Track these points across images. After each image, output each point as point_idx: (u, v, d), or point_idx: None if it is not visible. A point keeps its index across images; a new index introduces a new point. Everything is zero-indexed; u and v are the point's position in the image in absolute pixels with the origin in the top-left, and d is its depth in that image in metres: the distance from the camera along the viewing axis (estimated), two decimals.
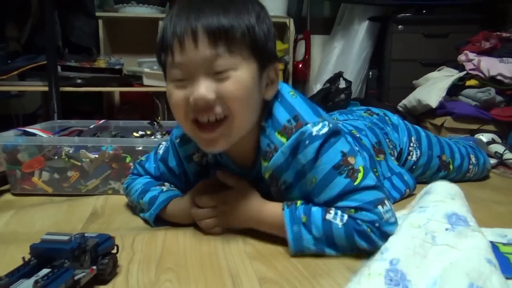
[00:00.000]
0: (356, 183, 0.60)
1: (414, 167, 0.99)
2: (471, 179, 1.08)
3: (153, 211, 0.72)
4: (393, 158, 0.93)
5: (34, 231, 0.72)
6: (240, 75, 0.58)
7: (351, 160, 0.62)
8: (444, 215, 0.55)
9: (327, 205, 0.61)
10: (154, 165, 0.80)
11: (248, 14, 0.58)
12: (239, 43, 0.57)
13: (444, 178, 1.01)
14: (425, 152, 0.99)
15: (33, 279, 0.44)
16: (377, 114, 1.02)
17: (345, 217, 0.59)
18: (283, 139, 0.62)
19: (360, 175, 0.60)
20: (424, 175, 1.02)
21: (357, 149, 0.79)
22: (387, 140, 0.94)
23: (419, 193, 0.66)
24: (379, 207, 0.59)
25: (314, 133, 0.61)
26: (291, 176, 0.64)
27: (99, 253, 0.52)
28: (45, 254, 0.49)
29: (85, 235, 0.52)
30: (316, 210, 0.61)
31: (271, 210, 0.64)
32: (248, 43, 0.58)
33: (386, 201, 0.60)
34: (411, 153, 0.99)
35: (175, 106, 0.61)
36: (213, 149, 0.64)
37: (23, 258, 0.48)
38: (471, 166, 1.05)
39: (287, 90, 0.67)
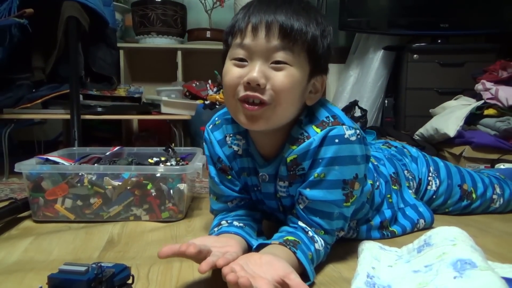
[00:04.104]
0: (345, 204, 0.68)
1: (434, 196, 0.99)
2: (497, 211, 1.05)
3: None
4: (410, 191, 0.93)
5: (51, 258, 0.73)
6: (293, 71, 0.63)
7: (356, 185, 0.68)
8: (449, 265, 0.54)
9: (308, 207, 0.67)
10: (216, 196, 0.80)
11: (316, 26, 0.65)
12: (301, 46, 0.63)
13: (467, 207, 1.01)
14: (444, 180, 0.99)
15: None
16: (396, 147, 1.03)
17: (323, 242, 0.68)
18: (318, 130, 0.66)
19: (351, 201, 0.68)
20: (446, 205, 1.01)
21: (375, 175, 0.83)
22: (405, 171, 0.94)
23: (418, 238, 0.68)
24: (338, 232, 0.71)
25: (346, 136, 0.65)
26: (308, 164, 0.67)
27: (115, 284, 0.53)
28: (62, 285, 0.49)
29: (102, 265, 0.52)
30: (309, 243, 0.65)
31: (282, 254, 0.61)
32: (308, 49, 0.64)
33: (344, 229, 0.71)
34: (430, 182, 0.98)
35: (229, 82, 0.66)
36: (253, 125, 0.66)
37: None
38: (495, 196, 1.04)
39: (328, 102, 0.73)
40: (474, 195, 1.01)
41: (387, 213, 0.85)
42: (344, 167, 0.65)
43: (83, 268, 0.50)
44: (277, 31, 0.62)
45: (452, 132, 1.60)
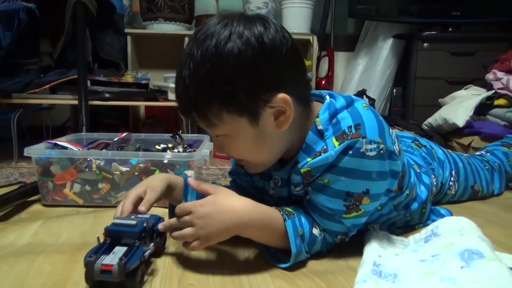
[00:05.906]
0: (345, 215, 0.64)
1: (451, 199, 1.01)
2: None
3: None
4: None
5: (60, 242, 0.74)
6: (233, 138, 0.63)
7: (364, 200, 0.64)
8: (456, 255, 0.54)
9: (310, 202, 0.66)
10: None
11: (212, 85, 0.58)
12: (210, 115, 0.60)
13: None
14: (462, 184, 1.01)
15: (112, 256, 0.54)
16: (425, 147, 0.99)
17: (322, 234, 0.66)
18: (336, 144, 0.61)
19: (354, 214, 0.64)
20: (456, 202, 1.03)
21: (414, 183, 0.78)
22: (432, 175, 0.92)
23: (425, 228, 0.69)
24: (339, 236, 0.68)
25: (362, 150, 0.61)
26: (320, 171, 0.63)
27: (155, 232, 0.64)
28: (117, 235, 0.59)
29: (146, 217, 0.63)
30: (305, 222, 0.64)
31: (265, 213, 0.62)
32: (220, 110, 0.59)
33: (348, 235, 0.68)
34: (451, 187, 0.99)
35: None
36: (250, 171, 0.72)
37: (98, 238, 0.59)
38: (490, 191, 1.10)
39: (360, 103, 0.66)
40: (480, 194, 1.06)
41: (414, 222, 0.82)
42: (352, 180, 0.62)
43: (133, 221, 0.60)
44: (187, 114, 0.63)
45: (461, 122, 1.58)
